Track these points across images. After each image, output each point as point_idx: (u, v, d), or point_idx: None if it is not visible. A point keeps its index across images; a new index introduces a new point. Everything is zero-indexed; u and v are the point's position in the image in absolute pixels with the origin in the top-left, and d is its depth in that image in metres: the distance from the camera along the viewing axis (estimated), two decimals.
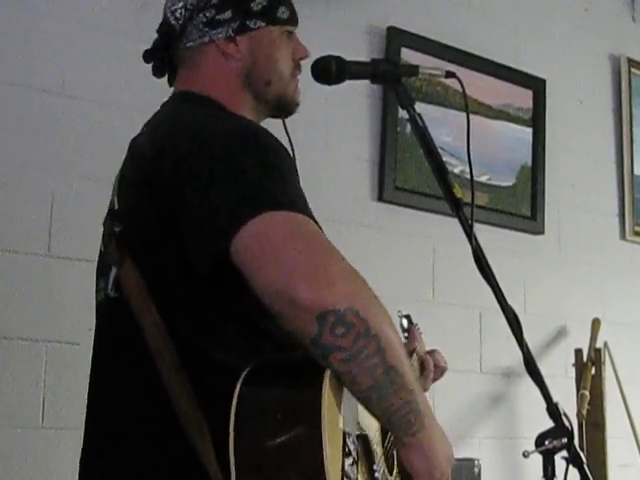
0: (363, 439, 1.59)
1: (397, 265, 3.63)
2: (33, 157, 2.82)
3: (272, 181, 1.50)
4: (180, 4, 1.78)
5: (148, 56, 1.85)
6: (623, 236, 4.44)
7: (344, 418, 1.50)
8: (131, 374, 1.60)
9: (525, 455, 1.76)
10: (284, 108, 1.85)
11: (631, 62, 4.57)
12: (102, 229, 1.74)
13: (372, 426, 1.69)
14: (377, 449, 1.70)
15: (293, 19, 1.84)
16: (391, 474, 1.77)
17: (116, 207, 1.71)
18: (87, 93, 2.93)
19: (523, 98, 4.13)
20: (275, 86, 1.80)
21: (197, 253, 1.51)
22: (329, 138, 3.53)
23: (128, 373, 1.60)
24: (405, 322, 2.39)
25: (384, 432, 1.75)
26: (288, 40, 1.83)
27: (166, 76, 1.88)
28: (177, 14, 1.78)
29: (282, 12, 1.80)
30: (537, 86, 4.17)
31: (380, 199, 3.62)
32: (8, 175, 2.78)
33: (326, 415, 1.40)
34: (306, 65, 1.87)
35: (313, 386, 1.43)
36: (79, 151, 2.89)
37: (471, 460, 3.30)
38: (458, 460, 3.24)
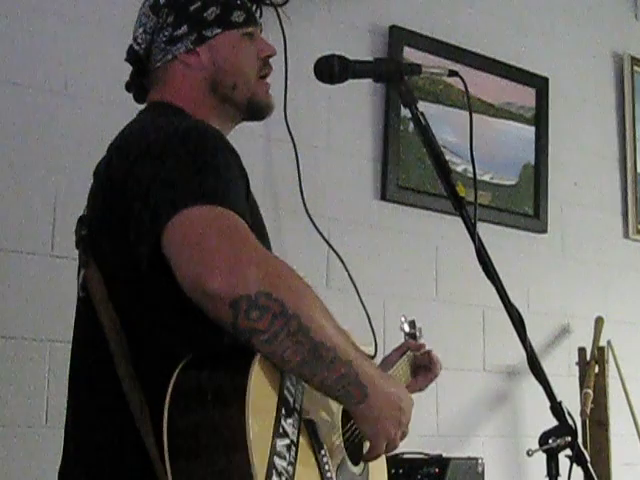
0: (308, 423, 1.62)
1: (400, 264, 3.63)
2: (36, 157, 2.82)
3: (203, 177, 1.55)
4: (140, 30, 1.88)
5: (128, 87, 1.94)
6: (626, 234, 4.44)
7: (282, 401, 1.54)
8: (94, 367, 1.69)
9: (529, 454, 1.76)
10: (256, 110, 1.90)
11: (634, 60, 4.57)
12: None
13: (334, 405, 1.72)
14: (336, 429, 1.73)
15: (250, 20, 1.89)
16: (356, 464, 1.78)
17: (85, 212, 1.81)
18: (90, 93, 2.94)
19: (526, 96, 4.13)
20: (241, 88, 1.86)
21: (137, 249, 1.57)
22: (332, 137, 3.52)
23: (92, 367, 1.69)
24: (407, 326, 2.44)
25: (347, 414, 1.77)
26: (250, 41, 1.88)
27: None
28: (139, 40, 1.88)
29: (237, 16, 1.86)
30: (540, 84, 4.17)
31: (383, 198, 3.61)
32: (11, 175, 2.78)
33: (252, 396, 1.45)
34: (309, 64, 1.87)
35: (242, 369, 1.48)
36: (82, 151, 2.89)
37: (475, 459, 3.29)
38: (461, 459, 3.25)
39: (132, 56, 1.89)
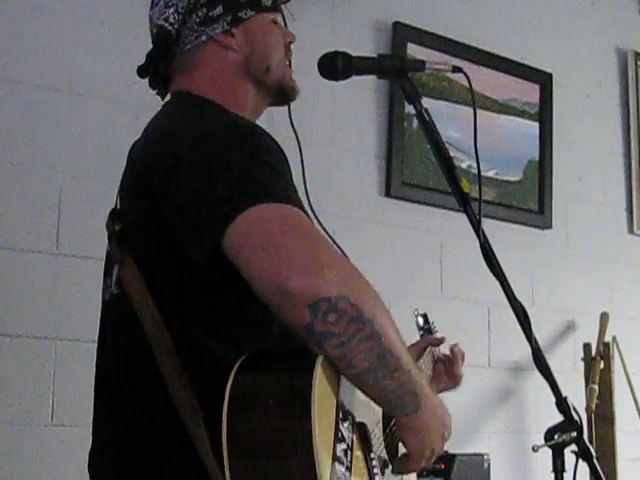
0: (360, 426, 1.60)
1: (405, 260, 3.63)
2: (40, 155, 2.82)
3: (264, 175, 1.52)
4: (171, 10, 1.80)
5: (144, 70, 1.86)
6: (631, 230, 4.44)
7: (339, 404, 1.52)
8: (132, 367, 1.63)
9: (534, 449, 1.76)
10: (285, 93, 1.87)
11: (638, 55, 4.56)
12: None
13: (375, 412, 1.70)
14: (378, 436, 1.71)
15: (276, 6, 1.88)
16: (392, 461, 1.76)
17: (117, 207, 1.76)
18: (94, 91, 2.94)
19: (530, 92, 4.13)
20: (274, 71, 1.83)
21: (192, 247, 1.53)
22: (336, 133, 3.53)
23: (129, 366, 1.64)
24: (421, 320, 2.40)
25: (387, 418, 1.76)
26: (276, 26, 1.87)
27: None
28: (170, 19, 1.80)
29: (266, 0, 1.84)
30: (544, 80, 4.17)
31: (387, 194, 3.62)
32: (16, 173, 2.78)
33: (317, 400, 1.42)
34: (313, 61, 1.88)
35: (305, 373, 1.45)
36: (86, 149, 2.89)
37: (480, 455, 3.30)
38: (467, 455, 3.26)
39: (163, 37, 1.81)
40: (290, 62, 1.90)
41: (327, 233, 1.83)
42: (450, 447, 3.24)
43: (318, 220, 1.85)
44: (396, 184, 3.62)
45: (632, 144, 4.48)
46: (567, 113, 4.24)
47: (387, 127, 3.65)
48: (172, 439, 1.54)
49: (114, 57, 2.94)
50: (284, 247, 1.44)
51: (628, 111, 4.51)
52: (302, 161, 1.92)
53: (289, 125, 1.90)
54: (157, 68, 1.84)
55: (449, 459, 3.14)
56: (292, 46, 1.90)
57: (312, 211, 1.86)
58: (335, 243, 1.87)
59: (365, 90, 3.60)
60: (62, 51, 2.90)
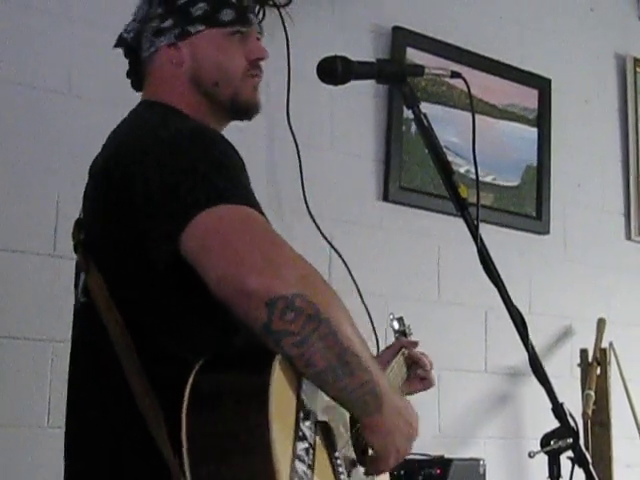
0: (324, 426, 1.62)
1: (402, 265, 3.63)
2: (39, 157, 2.82)
3: (220, 177, 1.55)
4: (132, 18, 1.91)
5: (128, 74, 1.95)
6: (629, 236, 4.44)
7: (300, 404, 1.53)
8: (98, 372, 1.67)
9: (530, 455, 1.76)
10: (241, 109, 1.88)
11: (637, 61, 4.56)
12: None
13: (342, 412, 1.70)
14: (344, 435, 1.72)
15: (240, 20, 1.86)
16: (362, 462, 1.77)
17: (81, 216, 1.80)
18: (93, 93, 2.94)
19: (528, 98, 4.13)
20: (224, 87, 1.84)
21: (152, 250, 1.56)
22: (334, 138, 3.52)
23: (96, 372, 1.68)
24: (396, 324, 2.42)
25: (354, 418, 1.76)
26: (240, 41, 1.86)
27: None
28: (128, 27, 1.90)
29: (225, 14, 1.84)
30: (542, 86, 4.17)
31: (385, 199, 3.61)
32: (14, 175, 2.78)
33: (274, 399, 1.43)
34: (312, 65, 1.88)
35: (262, 372, 1.47)
36: (85, 151, 2.87)
37: (476, 460, 3.29)
38: (463, 460, 3.25)
39: (120, 43, 1.92)
40: (255, 76, 1.88)
41: (324, 237, 1.83)
42: (446, 452, 3.25)
43: (316, 224, 1.85)
44: (394, 188, 3.62)
45: (630, 150, 4.48)
46: (565, 118, 4.24)
47: (385, 131, 3.65)
48: (137, 442, 1.57)
49: (114, 59, 2.93)
50: (240, 247, 1.46)
51: (626, 117, 4.51)
52: (300, 165, 1.92)
53: (287, 129, 1.90)
54: (136, 70, 1.92)
55: (445, 464, 3.14)
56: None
57: (310, 214, 1.86)
58: (332, 247, 1.87)
59: (364, 95, 3.60)
60: (62, 53, 2.90)
